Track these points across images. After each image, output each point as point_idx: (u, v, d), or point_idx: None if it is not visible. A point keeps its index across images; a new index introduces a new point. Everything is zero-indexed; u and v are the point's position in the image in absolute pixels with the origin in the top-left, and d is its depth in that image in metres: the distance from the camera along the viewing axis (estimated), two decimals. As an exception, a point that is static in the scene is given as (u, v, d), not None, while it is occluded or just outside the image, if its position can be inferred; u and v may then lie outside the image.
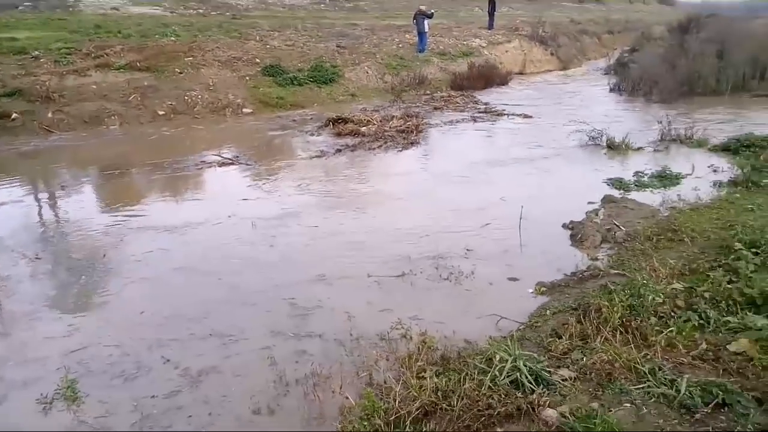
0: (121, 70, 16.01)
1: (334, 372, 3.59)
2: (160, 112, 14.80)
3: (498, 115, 13.17)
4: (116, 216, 6.96)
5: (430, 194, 7.44)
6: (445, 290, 4.77)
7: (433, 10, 23.48)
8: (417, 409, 3.01)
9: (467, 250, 5.50)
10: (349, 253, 5.58)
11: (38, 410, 3.36)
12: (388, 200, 7.30)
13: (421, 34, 20.97)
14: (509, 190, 7.42)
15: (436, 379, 3.23)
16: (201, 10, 26.39)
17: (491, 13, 27.25)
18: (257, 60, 18.16)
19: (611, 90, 16.63)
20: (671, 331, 3.37)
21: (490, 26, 26.98)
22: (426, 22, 20.87)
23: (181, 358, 3.86)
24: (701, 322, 3.47)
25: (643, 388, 2.94)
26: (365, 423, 3.03)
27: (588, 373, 3.15)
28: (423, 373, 3.36)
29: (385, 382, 3.39)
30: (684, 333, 3.37)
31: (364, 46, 21.00)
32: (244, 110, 15.77)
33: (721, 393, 2.76)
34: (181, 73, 16.46)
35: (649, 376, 3.00)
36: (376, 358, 3.70)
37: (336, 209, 6.99)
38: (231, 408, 3.36)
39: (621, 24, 38.46)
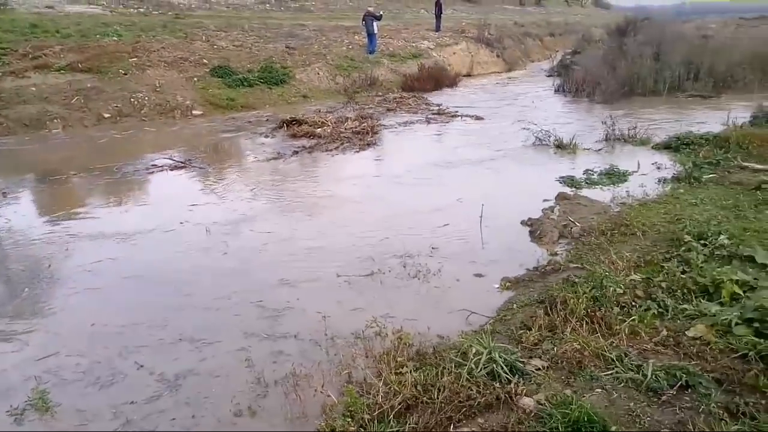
0: (62, 71, 15.50)
1: (313, 371, 3.63)
2: (106, 115, 14.38)
3: (451, 116, 13.43)
4: (62, 224, 6.77)
5: (388, 196, 7.54)
6: (414, 288, 4.88)
7: (381, 12, 23.70)
8: (399, 404, 3.10)
9: (432, 248, 5.62)
10: (310, 256, 5.61)
11: (11, 422, 3.25)
12: (347, 203, 7.36)
13: (371, 35, 21.11)
14: (466, 190, 7.60)
15: (415, 374, 3.32)
16: (142, 9, 25.65)
17: (438, 16, 27.66)
18: (205, 61, 17.87)
19: (556, 91, 17.19)
20: (633, 320, 3.58)
21: (437, 28, 27.39)
22: (375, 23, 21.02)
23: (154, 363, 3.81)
24: (660, 310, 3.70)
25: (611, 374, 3.12)
26: (348, 419, 3.09)
27: (559, 362, 3.31)
28: (401, 369, 3.45)
29: (365, 380, 3.46)
30: (645, 321, 3.59)
31: (313, 47, 20.95)
32: (194, 112, 15.50)
33: (684, 376, 2.97)
34: (125, 74, 16.03)
35: (616, 362, 3.18)
36: (354, 356, 3.76)
37: (293, 213, 7.02)
38: (213, 409, 3.36)
39: (561, 27, 39.75)
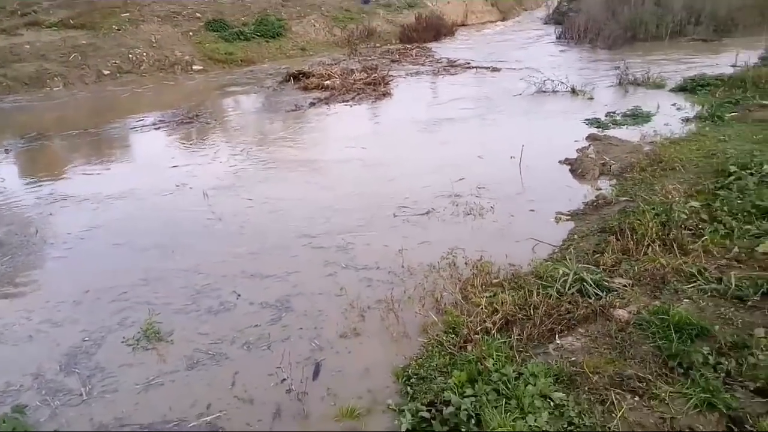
0: (54, 28, 15.17)
1: (404, 297, 3.84)
2: (105, 72, 14.18)
3: (464, 68, 13.29)
4: (71, 181, 6.91)
5: (422, 143, 7.68)
6: (472, 223, 5.08)
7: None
8: (500, 320, 3.33)
9: (478, 188, 5.80)
10: (367, 199, 5.78)
11: (128, 351, 3.44)
12: (383, 149, 7.50)
13: (366, -14, 20.75)
14: (497, 134, 7.80)
15: (505, 295, 3.54)
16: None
17: (430, -36, 27.14)
18: (198, 14, 17.52)
19: (558, 38, 17.18)
20: (705, 240, 3.82)
21: (429, -23, 26.91)
22: (370, -27, 20.66)
23: (250, 294, 4.00)
24: (727, 231, 3.95)
25: (694, 286, 3.39)
26: (452, 336, 3.33)
27: (641, 279, 3.57)
28: (489, 292, 3.68)
29: (456, 303, 3.67)
30: (715, 241, 3.84)
31: (307, -1, 20.55)
32: (194, 67, 15.32)
33: (765, 284, 3.22)
34: (119, 30, 15.70)
35: (697, 276, 3.44)
36: (437, 282, 3.97)
37: (344, 160, 7.13)
38: (330, 324, 3.63)
39: (552, -27, 39.22)
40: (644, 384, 2.60)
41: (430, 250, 4.51)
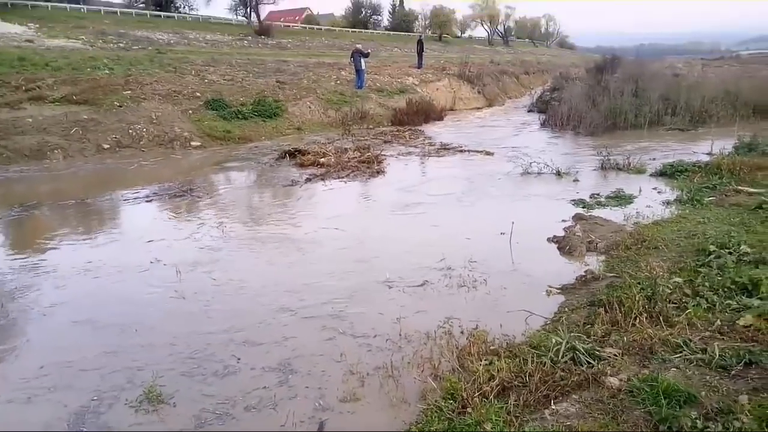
0: (57, 103, 15.68)
1: (402, 364, 3.96)
2: (105, 146, 14.56)
3: (457, 150, 13.81)
4: (49, 252, 6.91)
5: (414, 220, 7.95)
6: (466, 295, 5.27)
7: (369, 50, 24.54)
8: (497, 386, 3.45)
9: (470, 262, 6.02)
10: (365, 269, 5.97)
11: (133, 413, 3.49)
12: (376, 224, 7.76)
13: (359, 71, 21.81)
14: (487, 214, 8.11)
15: (501, 363, 3.68)
16: (122, 44, 26.05)
17: (420, 53, 28.74)
18: (198, 94, 18.22)
19: (542, 125, 18.04)
20: (689, 313, 4.03)
21: (419, 65, 28.41)
22: (363, 60, 21.78)
23: (250, 360, 4.09)
24: (709, 305, 4.17)
25: (681, 356, 3.55)
26: (450, 401, 3.43)
27: (630, 349, 3.73)
28: (485, 360, 3.81)
29: (453, 370, 3.80)
30: (698, 314, 4.04)
31: (303, 81, 21.53)
32: (192, 143, 15.76)
33: (747, 354, 3.41)
34: (120, 106, 16.26)
35: (683, 347, 3.62)
36: (435, 350, 4.10)
37: (333, 233, 7.35)
38: (332, 387, 3.75)
39: (534, 65, 41.51)
40: (637, 446, 2.72)
41: (426, 319, 4.67)
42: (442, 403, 3.43)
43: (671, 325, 3.94)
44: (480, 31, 67.12)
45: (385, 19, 60.81)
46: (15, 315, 5.07)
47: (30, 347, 4.51)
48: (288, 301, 5.19)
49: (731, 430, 2.73)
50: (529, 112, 22.86)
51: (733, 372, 3.31)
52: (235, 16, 43.31)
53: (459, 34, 62.94)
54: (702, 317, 4.02)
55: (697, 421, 2.82)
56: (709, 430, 2.75)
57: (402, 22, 57.92)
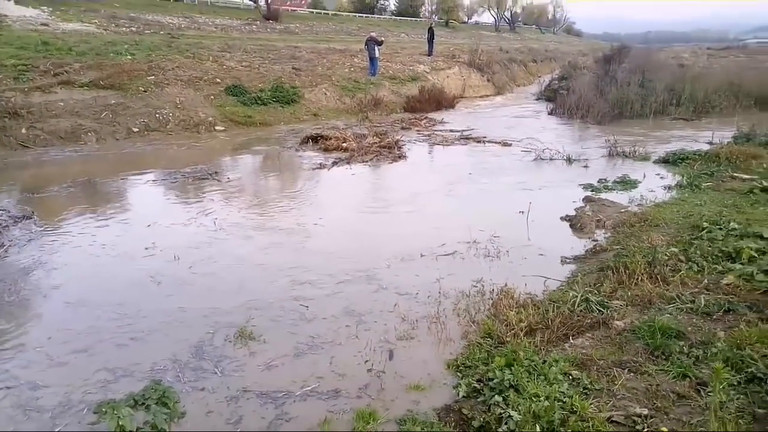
0: (85, 87, 16.31)
1: (445, 313, 4.83)
2: (135, 129, 15.31)
3: (471, 138, 14.52)
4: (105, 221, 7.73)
5: (443, 199, 8.85)
6: (491, 263, 6.12)
7: (382, 38, 25.17)
8: (525, 327, 4.31)
9: (494, 237, 6.86)
10: (402, 242, 6.84)
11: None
12: (406, 203, 8.63)
13: (373, 59, 22.43)
14: (503, 194, 8.93)
15: (530, 311, 4.55)
16: (134, 28, 26.49)
17: (430, 41, 29.29)
18: (218, 80, 18.85)
19: (550, 113, 18.78)
20: (682, 274, 4.88)
21: (430, 53, 28.99)
22: (376, 48, 22.36)
23: (318, 310, 4.97)
24: (699, 268, 5.03)
25: (673, 306, 4.42)
26: (488, 339, 4.30)
27: (633, 301, 4.59)
28: (514, 310, 4.67)
29: (488, 317, 4.66)
30: (690, 275, 4.90)
31: (318, 68, 22.16)
32: (217, 128, 16.52)
33: (726, 304, 4.27)
34: (145, 91, 16.91)
35: (676, 299, 4.48)
36: (473, 303, 4.97)
37: (363, 213, 8.21)
38: (389, 330, 4.59)
39: (542, 53, 42.05)
40: (637, 365, 3.58)
41: (460, 281, 5.54)
42: (481, 341, 4.29)
43: (667, 283, 4.80)
44: (487, 17, 67.51)
45: (391, 3, 61.13)
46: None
47: (172, 299, 5.38)
48: (337, 265, 6.05)
49: (709, 353, 3.59)
50: (537, 100, 23.56)
51: (714, 317, 4.18)
52: (242, 0, 43.64)
53: (466, 20, 63.24)
54: (693, 278, 4.88)
55: (684, 347, 3.67)
56: (693, 353, 3.61)
57: (409, 7, 58.23)
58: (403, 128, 16.13)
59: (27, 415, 3.49)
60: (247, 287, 5.51)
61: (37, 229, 7.32)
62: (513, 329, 4.31)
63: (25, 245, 6.74)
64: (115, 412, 3.31)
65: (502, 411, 3.27)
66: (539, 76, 31.79)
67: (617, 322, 4.23)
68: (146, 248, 6.56)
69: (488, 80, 28.01)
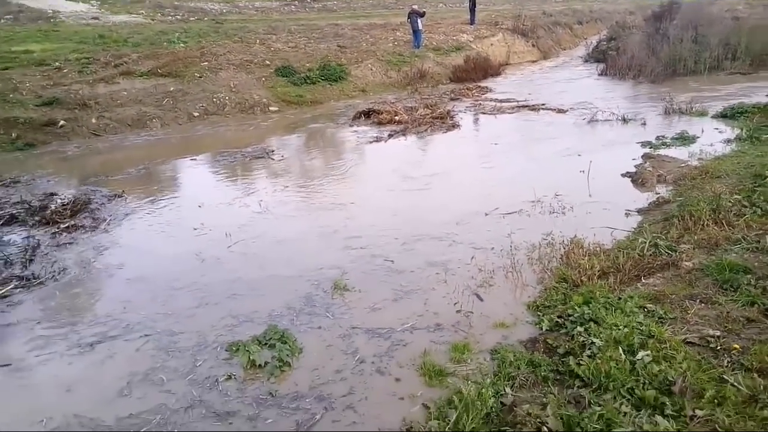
0: (144, 76, 17.04)
1: (519, 263, 5.23)
2: (195, 114, 15.99)
3: (522, 105, 14.54)
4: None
5: (499, 162, 9.14)
6: (557, 219, 6.46)
7: (424, 9, 25.17)
8: (598, 271, 4.67)
9: (557, 195, 7.17)
10: (475, 200, 7.24)
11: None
12: (471, 168, 9.00)
13: (416, 32, 22.50)
14: (563, 155, 9.20)
15: (601, 257, 4.90)
16: (179, 16, 27.21)
17: (472, 10, 28.99)
18: (267, 62, 19.32)
19: (600, 74, 18.59)
20: (746, 218, 5.12)
21: (472, 22, 28.74)
22: (419, 20, 22.42)
23: (401, 264, 5.46)
24: (763, 212, 5.26)
25: (739, 246, 4.68)
26: (563, 283, 4.68)
27: (700, 245, 4.88)
28: (585, 257, 5.02)
29: (561, 264, 5.04)
30: (754, 219, 5.14)
31: (362, 44, 22.39)
32: (271, 108, 17.06)
33: (790, 244, 4.52)
34: (201, 77, 17.54)
35: (741, 240, 4.74)
36: (545, 253, 5.36)
37: (442, 173, 8.65)
38: (470, 280, 5.04)
39: (587, 15, 40.88)
40: (707, 297, 3.91)
41: (529, 235, 5.94)
42: (557, 285, 4.68)
43: (732, 227, 5.07)
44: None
45: (429, -26, 60.03)
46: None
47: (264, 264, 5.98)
48: (410, 225, 6.51)
49: (775, 285, 3.89)
50: (585, 62, 23.21)
51: (778, 256, 4.44)
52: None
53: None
54: (757, 221, 5.13)
55: (751, 280, 3.97)
56: (760, 284, 3.91)
57: (447, -24, 57.23)
58: (452, 99, 16.33)
59: (170, 355, 4.10)
60: (333, 246, 6.05)
61: (129, 205, 8.03)
62: (586, 273, 4.67)
63: (122, 219, 7.44)
64: (246, 349, 3.88)
65: (585, 339, 3.67)
66: (585, 38, 31.09)
67: (686, 263, 4.54)
68: (239, 226, 7.09)
69: (533, 45, 27.68)
